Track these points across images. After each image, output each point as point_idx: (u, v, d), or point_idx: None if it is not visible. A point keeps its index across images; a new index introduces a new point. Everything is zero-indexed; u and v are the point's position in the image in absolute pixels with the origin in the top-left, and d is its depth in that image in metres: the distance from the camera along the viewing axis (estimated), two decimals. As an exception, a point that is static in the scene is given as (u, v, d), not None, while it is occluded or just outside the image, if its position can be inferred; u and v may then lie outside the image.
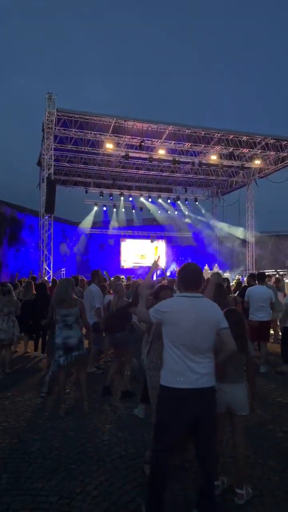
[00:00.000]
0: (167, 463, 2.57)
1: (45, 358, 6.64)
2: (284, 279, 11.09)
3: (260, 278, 6.98)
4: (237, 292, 8.15)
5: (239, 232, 23.34)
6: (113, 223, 27.23)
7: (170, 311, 2.55)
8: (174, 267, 21.96)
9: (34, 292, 7.76)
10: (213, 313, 2.59)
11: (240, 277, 18.81)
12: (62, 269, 22.70)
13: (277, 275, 10.66)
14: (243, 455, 2.92)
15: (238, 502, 2.77)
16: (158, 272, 20.83)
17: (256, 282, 7.11)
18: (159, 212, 26.49)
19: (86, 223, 26.60)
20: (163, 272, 14.95)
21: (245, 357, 2.98)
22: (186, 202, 25.46)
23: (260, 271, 7.97)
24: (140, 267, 25.61)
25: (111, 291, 7.05)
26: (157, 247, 23.43)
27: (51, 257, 16.01)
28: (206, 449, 2.54)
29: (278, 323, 7.51)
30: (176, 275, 2.79)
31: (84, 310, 4.99)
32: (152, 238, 28.01)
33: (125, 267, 26.55)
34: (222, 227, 24.85)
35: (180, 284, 2.71)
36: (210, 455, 2.56)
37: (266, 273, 8.85)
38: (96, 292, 6.70)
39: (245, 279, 12.05)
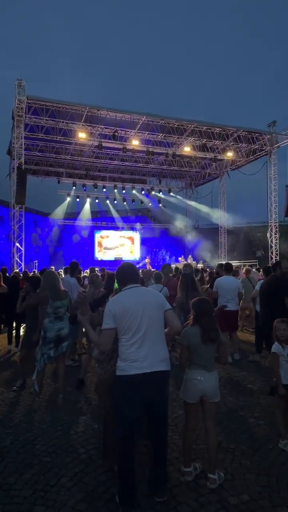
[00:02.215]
0: (132, 451, 2.67)
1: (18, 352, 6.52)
2: (254, 269, 11.32)
3: (227, 269, 7.03)
4: (209, 283, 8.25)
5: (217, 214, 23.41)
6: (87, 214, 26.94)
7: (114, 306, 2.68)
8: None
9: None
10: (154, 296, 2.85)
11: (202, 266, 19.10)
12: (35, 261, 22.32)
13: (247, 266, 10.86)
14: (215, 441, 3.00)
15: (210, 486, 2.85)
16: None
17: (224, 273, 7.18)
18: (133, 203, 26.44)
19: (58, 214, 26.14)
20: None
21: (217, 345, 3.05)
22: (161, 193, 25.53)
23: (227, 262, 8.07)
24: (118, 259, 25.61)
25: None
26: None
27: (23, 249, 15.67)
28: (158, 429, 2.74)
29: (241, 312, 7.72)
30: (115, 277, 3.01)
31: (71, 300, 5.01)
32: (126, 229, 27.96)
33: (99, 259, 26.37)
34: (201, 208, 25.02)
35: (120, 282, 2.92)
36: (161, 434, 2.78)
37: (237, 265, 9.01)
38: (74, 284, 6.64)
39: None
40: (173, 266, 13.73)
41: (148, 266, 20.45)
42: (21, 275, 9.76)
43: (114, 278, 5.45)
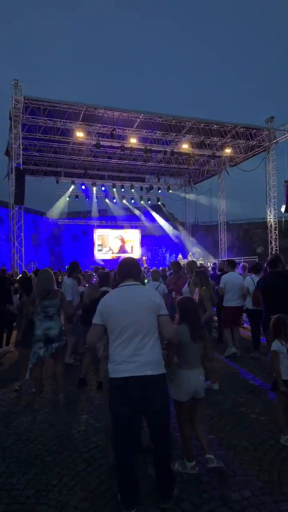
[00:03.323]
0: (130, 451, 2.62)
1: (13, 352, 6.52)
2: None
3: (232, 265, 7.08)
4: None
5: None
6: (86, 214, 26.92)
7: (103, 304, 2.64)
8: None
9: None
10: (148, 297, 2.64)
11: (201, 262, 19.08)
12: (34, 261, 22.33)
13: (243, 263, 10.88)
14: (204, 430, 3.11)
15: (211, 466, 2.93)
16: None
17: (228, 269, 7.18)
18: (132, 201, 26.40)
19: (54, 212, 26.07)
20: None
21: (203, 343, 3.11)
22: (159, 191, 25.50)
23: (231, 259, 8.07)
24: (118, 257, 25.61)
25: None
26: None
27: (23, 249, 15.67)
28: (157, 434, 2.63)
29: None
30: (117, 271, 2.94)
31: (65, 300, 4.97)
32: (126, 228, 27.93)
33: (99, 258, 26.37)
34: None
35: (118, 276, 2.84)
36: (161, 438, 2.63)
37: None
38: (70, 285, 6.64)
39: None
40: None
41: (145, 265, 20.42)
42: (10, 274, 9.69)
43: (107, 277, 5.47)
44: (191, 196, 25.81)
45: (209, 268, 11.90)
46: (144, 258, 23.44)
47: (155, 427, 2.64)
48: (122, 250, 26.81)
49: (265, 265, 5.89)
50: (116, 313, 2.55)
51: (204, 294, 5.19)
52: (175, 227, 27.97)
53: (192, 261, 10.00)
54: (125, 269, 2.80)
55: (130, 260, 2.91)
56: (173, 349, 3.03)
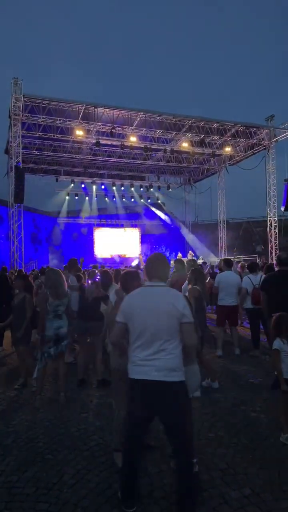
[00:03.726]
0: (137, 450, 2.61)
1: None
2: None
3: (228, 264, 7.07)
4: (209, 278, 8.26)
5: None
6: (86, 212, 26.89)
7: (125, 304, 2.61)
8: (137, 261, 21.87)
9: None
10: (170, 303, 2.50)
11: (201, 261, 19.04)
12: (34, 260, 22.31)
13: (241, 262, 10.91)
14: None
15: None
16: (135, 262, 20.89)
17: (224, 268, 7.17)
18: (132, 200, 26.36)
19: (55, 211, 26.09)
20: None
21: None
22: (159, 189, 25.46)
23: (227, 257, 8.05)
24: (117, 256, 25.67)
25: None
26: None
27: (22, 248, 15.64)
28: (174, 439, 2.56)
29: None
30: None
31: (70, 299, 4.99)
32: (126, 227, 27.90)
33: (99, 256, 26.36)
34: None
35: (145, 274, 2.73)
36: (179, 442, 2.55)
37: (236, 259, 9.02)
38: (73, 282, 6.64)
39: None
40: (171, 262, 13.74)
41: (142, 264, 20.37)
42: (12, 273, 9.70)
43: (108, 276, 5.45)
44: (190, 195, 25.78)
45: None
46: (140, 256, 23.37)
47: (169, 432, 2.58)
48: (121, 248, 26.79)
49: (261, 263, 5.86)
50: (138, 315, 2.50)
51: (191, 292, 5.19)
52: (174, 226, 27.94)
53: (192, 259, 10.03)
54: (150, 268, 2.68)
55: (157, 258, 2.75)
56: (191, 355, 2.88)
